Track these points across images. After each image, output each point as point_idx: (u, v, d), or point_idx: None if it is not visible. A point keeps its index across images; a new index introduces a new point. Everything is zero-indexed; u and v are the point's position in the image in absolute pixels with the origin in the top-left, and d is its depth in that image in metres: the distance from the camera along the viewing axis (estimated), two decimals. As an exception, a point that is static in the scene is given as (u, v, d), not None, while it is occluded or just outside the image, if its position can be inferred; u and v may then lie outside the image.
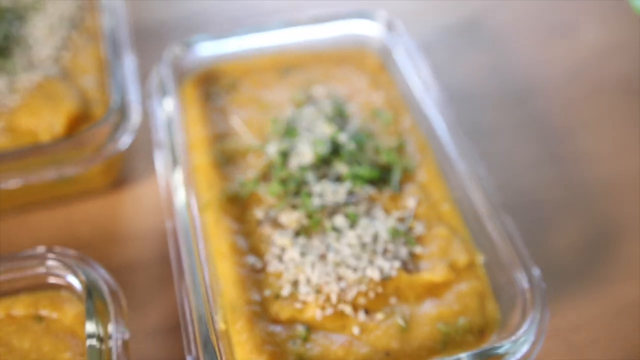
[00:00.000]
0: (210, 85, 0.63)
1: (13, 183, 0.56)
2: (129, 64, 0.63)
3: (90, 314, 0.45)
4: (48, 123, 0.59)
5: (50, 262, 0.49)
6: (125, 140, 0.58)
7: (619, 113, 0.74)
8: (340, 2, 0.82)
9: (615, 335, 0.60)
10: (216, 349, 0.44)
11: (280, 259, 0.51)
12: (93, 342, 0.44)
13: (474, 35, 0.82)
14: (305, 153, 0.55)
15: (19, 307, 0.48)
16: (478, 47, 0.81)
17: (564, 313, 0.61)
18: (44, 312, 0.48)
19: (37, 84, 0.61)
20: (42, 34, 0.66)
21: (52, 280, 0.49)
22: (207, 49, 0.63)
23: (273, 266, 0.50)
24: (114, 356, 0.44)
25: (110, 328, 0.46)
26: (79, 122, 0.60)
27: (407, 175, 0.57)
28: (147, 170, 0.64)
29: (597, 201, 0.68)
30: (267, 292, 0.49)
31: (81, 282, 0.47)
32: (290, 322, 0.48)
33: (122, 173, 0.64)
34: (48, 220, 0.62)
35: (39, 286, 0.49)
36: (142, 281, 0.56)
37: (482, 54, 0.80)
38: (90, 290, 0.47)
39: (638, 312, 0.62)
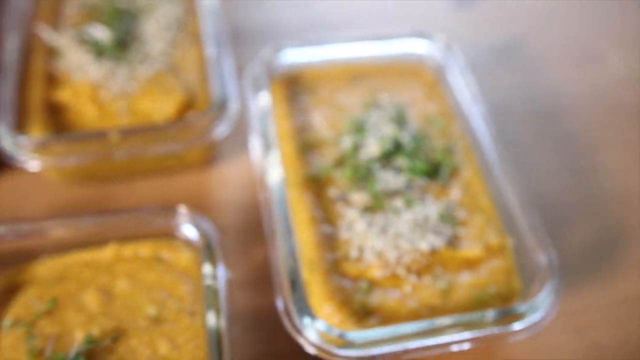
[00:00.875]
0: (294, 86, 0.76)
1: (131, 154, 0.70)
2: (227, 62, 0.76)
3: (205, 258, 0.58)
4: (161, 108, 0.72)
5: (169, 216, 0.62)
6: (223, 127, 0.71)
7: (634, 134, 0.86)
8: (400, 21, 0.96)
9: (616, 320, 0.70)
10: (302, 293, 0.57)
11: (349, 229, 0.63)
12: (208, 281, 0.57)
13: (514, 57, 0.94)
14: (372, 147, 0.68)
15: (144, 250, 0.62)
16: (516, 67, 0.93)
17: (573, 298, 0.72)
18: (164, 255, 0.62)
19: (153, 75, 0.75)
20: (154, 33, 0.79)
21: (169, 230, 0.63)
22: (293, 55, 0.76)
23: (343, 235, 0.63)
24: (222, 292, 0.57)
25: (218, 271, 0.59)
26: (185, 109, 0.73)
27: (454, 172, 0.69)
28: (238, 152, 0.78)
29: (608, 208, 0.79)
30: (339, 254, 0.62)
31: (198, 232, 0.61)
32: (356, 279, 0.61)
33: (216, 153, 0.78)
34: (154, 187, 0.75)
35: (160, 234, 0.63)
36: (234, 240, 0.70)
37: (519, 74, 0.92)
38: (204, 238, 0.60)
39: (638, 305, 0.74)
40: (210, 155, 0.77)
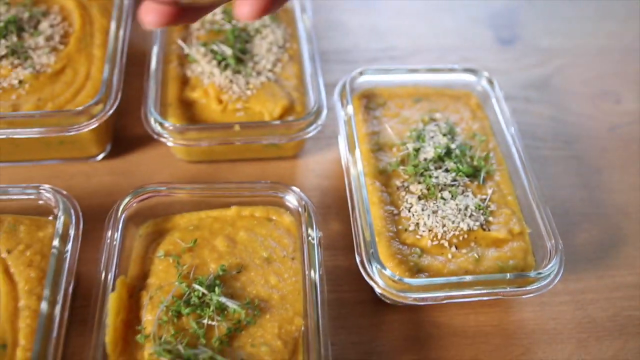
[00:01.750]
0: (370, 102, 0.98)
1: (245, 142, 0.92)
2: (320, 78, 0.98)
3: (304, 220, 0.81)
4: (269, 109, 0.95)
5: (277, 189, 0.85)
6: (316, 128, 0.93)
7: (634, 161, 1.06)
8: (452, 54, 1.18)
9: (608, 301, 0.88)
10: (375, 250, 0.78)
11: (408, 210, 0.85)
12: (308, 238, 0.79)
13: (542, 91, 1.15)
14: (429, 152, 0.89)
15: (258, 212, 0.84)
16: (544, 99, 1.13)
17: (575, 282, 0.91)
18: (272, 217, 0.84)
19: (262, 85, 0.98)
20: (263, 52, 1.02)
21: (276, 199, 0.85)
22: (371, 78, 0.99)
23: (404, 214, 0.85)
24: (316, 247, 0.79)
25: (313, 231, 0.81)
26: (287, 112, 0.96)
27: (488, 176, 0.90)
28: (321, 149, 1.01)
29: (609, 217, 0.98)
30: (400, 227, 0.84)
31: (297, 202, 0.83)
32: (411, 246, 0.82)
33: (306, 148, 1.01)
34: (253, 169, 0.98)
35: (269, 202, 0.85)
36: (322, 214, 0.92)
37: (546, 105, 1.13)
38: (304, 206, 0.82)
39: (631, 291, 0.89)
40: (300, 149, 1.00)
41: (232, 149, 0.95)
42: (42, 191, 0.80)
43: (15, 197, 0.80)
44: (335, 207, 0.94)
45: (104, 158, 0.97)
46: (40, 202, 0.81)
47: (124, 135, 1.00)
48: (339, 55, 1.16)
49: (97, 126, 0.88)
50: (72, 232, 0.76)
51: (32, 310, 0.72)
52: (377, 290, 0.77)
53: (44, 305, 0.70)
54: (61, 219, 0.76)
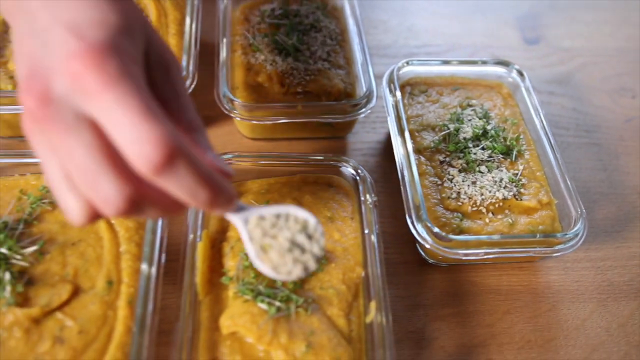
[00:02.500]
0: (413, 88, 1.11)
1: (306, 120, 1.03)
2: (370, 67, 1.10)
3: (362, 186, 0.93)
4: (325, 93, 1.07)
5: (333, 159, 0.97)
6: (367, 110, 1.05)
7: (647, 148, 1.18)
8: (483, 51, 1.31)
9: (625, 268, 0.96)
10: (424, 212, 0.90)
11: (450, 181, 0.97)
12: (365, 202, 0.92)
13: (564, 86, 1.27)
14: (468, 132, 1.02)
15: (320, 179, 0.97)
16: (567, 93, 1.25)
17: (595, 251, 1.02)
18: (333, 183, 0.96)
19: (319, 71, 1.10)
20: (318, 43, 1.15)
21: (334, 168, 0.97)
22: (415, 68, 1.11)
23: (446, 184, 0.97)
24: (373, 211, 0.91)
25: (369, 196, 0.93)
26: (342, 96, 1.09)
27: (519, 154, 1.02)
28: (369, 131, 1.13)
29: (627, 196, 1.09)
30: (443, 195, 0.96)
31: (354, 169, 0.95)
32: (453, 211, 0.94)
33: (353, 130, 1.13)
34: (307, 145, 1.08)
35: (327, 171, 0.97)
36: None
37: (568, 98, 1.25)
38: (360, 174, 0.94)
39: None
40: (350, 130, 1.12)
41: (292, 127, 1.07)
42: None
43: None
44: (380, 180, 1.06)
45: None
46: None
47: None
48: (379, 50, 1.29)
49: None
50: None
51: (132, 254, 0.84)
52: (426, 245, 0.88)
53: (146, 250, 0.82)
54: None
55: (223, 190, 0.60)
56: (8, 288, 0.78)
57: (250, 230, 0.69)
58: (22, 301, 0.78)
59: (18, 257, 0.81)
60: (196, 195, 0.58)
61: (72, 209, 0.57)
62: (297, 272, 0.69)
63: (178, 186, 0.56)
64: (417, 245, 0.97)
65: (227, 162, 0.94)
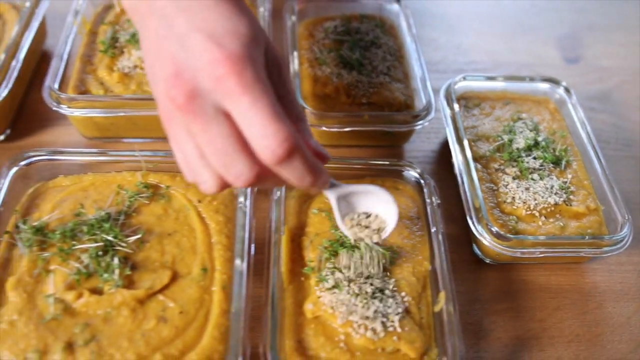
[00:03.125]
0: (467, 102, 1.20)
1: (371, 128, 1.13)
2: (428, 81, 1.19)
3: (427, 190, 1.02)
4: (387, 104, 1.17)
5: (398, 164, 1.06)
6: (426, 120, 1.14)
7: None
8: (528, 69, 1.40)
9: None
10: (485, 213, 0.99)
11: (505, 187, 1.06)
12: (431, 203, 1.00)
13: (604, 103, 1.36)
14: (520, 142, 1.11)
15: (387, 183, 1.04)
16: (606, 110, 1.34)
17: (637, 256, 1.08)
18: (399, 186, 1.05)
19: (381, 84, 1.19)
20: (379, 58, 1.24)
21: (398, 173, 1.06)
22: (470, 83, 1.20)
23: (501, 190, 1.05)
24: (437, 212, 1.00)
25: (434, 198, 1.02)
26: (402, 107, 1.18)
27: (568, 164, 1.10)
28: (424, 141, 1.22)
29: None
30: (499, 199, 1.04)
31: (418, 174, 1.04)
32: (509, 214, 1.03)
33: (412, 137, 1.22)
34: (368, 152, 1.19)
35: (393, 175, 1.06)
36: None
37: (607, 114, 1.33)
38: (425, 178, 1.03)
39: None
40: (408, 139, 1.21)
41: (356, 135, 1.16)
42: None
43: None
44: (441, 183, 1.14)
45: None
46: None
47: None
48: (431, 66, 1.38)
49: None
50: (249, 191, 0.97)
51: (223, 245, 0.93)
52: (486, 242, 0.97)
53: (238, 246, 0.91)
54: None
55: (322, 174, 0.74)
56: (116, 271, 0.87)
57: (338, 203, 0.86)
58: (128, 284, 0.88)
59: (123, 244, 0.90)
60: (303, 180, 0.71)
61: (206, 182, 0.70)
62: (370, 238, 0.90)
63: (290, 173, 0.69)
64: (474, 245, 1.06)
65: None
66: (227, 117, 0.65)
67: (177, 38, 0.65)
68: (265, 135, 0.64)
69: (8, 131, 1.18)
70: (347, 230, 0.89)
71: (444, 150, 1.21)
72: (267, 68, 0.71)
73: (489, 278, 1.05)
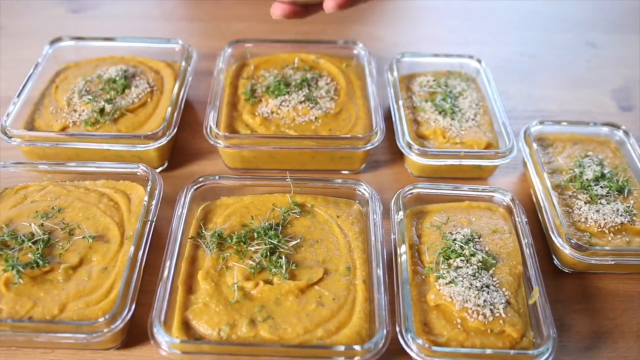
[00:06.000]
0: (541, 142, 1.46)
1: (466, 163, 1.40)
2: (509, 127, 1.46)
3: (517, 210, 1.27)
4: (477, 143, 1.43)
5: (492, 191, 1.31)
6: (509, 157, 1.40)
7: None
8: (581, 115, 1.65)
9: None
10: (564, 229, 1.23)
11: (579, 209, 1.29)
12: (521, 221, 1.26)
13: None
14: (589, 174, 1.35)
15: (482, 205, 1.31)
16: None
17: None
18: (492, 208, 1.31)
19: (470, 127, 1.46)
20: (466, 107, 1.51)
21: (490, 197, 1.32)
22: (542, 128, 1.47)
23: (576, 212, 1.29)
24: (525, 228, 1.25)
25: (523, 217, 1.27)
26: (488, 146, 1.44)
27: (630, 192, 1.35)
28: (504, 175, 1.48)
29: None
30: (574, 219, 1.28)
31: (509, 198, 1.30)
32: (583, 231, 1.27)
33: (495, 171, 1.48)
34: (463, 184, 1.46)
35: (485, 199, 1.32)
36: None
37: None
38: (515, 201, 1.29)
39: None
40: (493, 173, 1.47)
41: (453, 169, 1.43)
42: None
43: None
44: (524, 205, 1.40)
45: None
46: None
47: (374, 158, 1.49)
48: (506, 112, 1.65)
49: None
50: (377, 206, 1.24)
51: (360, 249, 1.19)
52: (566, 251, 1.21)
53: (373, 250, 1.17)
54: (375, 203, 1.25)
55: None
56: (284, 267, 1.13)
57: None
58: (291, 277, 1.14)
59: (284, 247, 1.17)
60: None
61: None
62: None
63: None
64: (553, 256, 1.30)
65: (410, 190, 1.30)
66: None
67: None
68: None
69: (166, 163, 1.47)
70: None
71: (520, 181, 1.46)
72: None
73: (567, 284, 1.28)
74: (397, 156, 1.50)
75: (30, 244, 1.16)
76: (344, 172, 1.45)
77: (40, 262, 1.12)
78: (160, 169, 1.43)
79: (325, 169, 1.45)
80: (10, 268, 1.11)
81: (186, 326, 1.07)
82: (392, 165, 1.49)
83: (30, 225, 1.19)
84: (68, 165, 1.32)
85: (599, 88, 1.75)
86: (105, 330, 1.03)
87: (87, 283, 1.12)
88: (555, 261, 1.30)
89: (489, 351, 1.04)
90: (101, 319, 1.03)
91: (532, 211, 1.36)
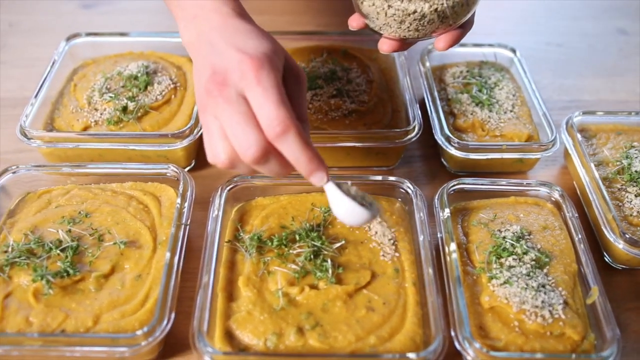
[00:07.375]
0: (584, 132, 1.40)
1: (506, 157, 1.35)
2: (549, 117, 1.40)
3: (566, 205, 1.22)
4: (517, 136, 1.37)
5: (537, 184, 1.26)
6: (552, 150, 1.34)
7: None
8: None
9: None
10: (617, 225, 1.18)
11: (630, 202, 1.23)
12: (572, 216, 1.20)
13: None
14: (637, 165, 1.29)
15: (529, 200, 1.25)
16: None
17: None
18: (539, 204, 1.26)
19: (509, 119, 1.40)
20: (503, 98, 1.46)
21: (536, 192, 1.26)
22: (585, 117, 1.41)
23: (626, 205, 1.23)
24: (576, 223, 1.19)
25: (573, 212, 1.21)
26: (528, 139, 1.38)
27: (676, 186, 1.30)
28: (544, 167, 1.43)
29: None
30: (626, 213, 1.23)
31: (558, 193, 1.24)
32: (636, 225, 1.20)
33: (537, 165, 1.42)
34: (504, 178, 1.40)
35: (531, 194, 1.26)
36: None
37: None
38: (564, 196, 1.23)
39: None
40: (534, 166, 1.41)
41: (492, 163, 1.37)
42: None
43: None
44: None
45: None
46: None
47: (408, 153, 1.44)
48: (553, 103, 1.59)
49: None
50: (423, 203, 1.18)
51: (407, 250, 1.13)
52: (620, 246, 1.16)
53: (423, 252, 1.11)
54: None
55: (319, 163, 0.89)
56: (330, 270, 1.07)
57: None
58: (337, 281, 1.08)
59: (328, 249, 1.11)
60: (299, 161, 0.87)
61: (219, 153, 0.89)
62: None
63: (287, 150, 0.86)
64: (604, 252, 1.24)
65: (455, 185, 1.24)
66: (246, 101, 0.85)
67: (217, 53, 0.89)
68: (269, 116, 0.83)
69: (193, 162, 1.40)
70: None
71: (561, 174, 1.41)
72: (286, 73, 0.91)
73: (620, 282, 1.23)
74: (432, 150, 1.44)
75: (58, 251, 1.09)
76: (375, 168, 1.39)
77: (71, 271, 1.06)
78: (187, 168, 1.36)
79: (359, 166, 1.39)
80: (40, 278, 1.04)
81: (229, 336, 1.02)
82: (427, 160, 1.43)
83: (58, 231, 1.12)
84: (92, 166, 1.25)
85: (634, 76, 1.70)
86: (143, 343, 0.97)
87: (120, 292, 1.05)
88: (607, 257, 1.24)
89: (552, 357, 0.99)
90: (139, 331, 0.96)
91: (578, 205, 1.30)
